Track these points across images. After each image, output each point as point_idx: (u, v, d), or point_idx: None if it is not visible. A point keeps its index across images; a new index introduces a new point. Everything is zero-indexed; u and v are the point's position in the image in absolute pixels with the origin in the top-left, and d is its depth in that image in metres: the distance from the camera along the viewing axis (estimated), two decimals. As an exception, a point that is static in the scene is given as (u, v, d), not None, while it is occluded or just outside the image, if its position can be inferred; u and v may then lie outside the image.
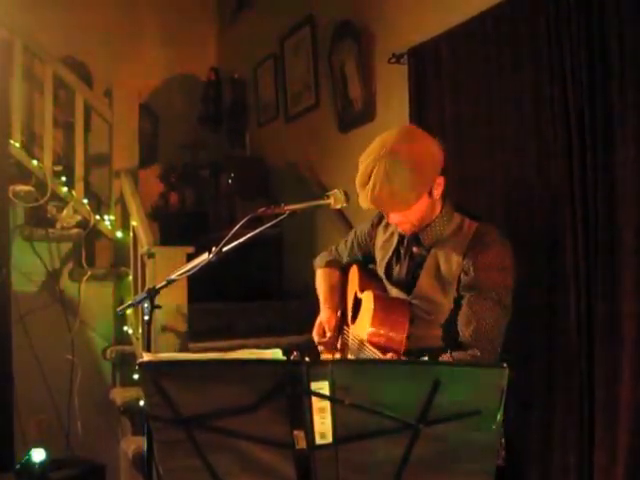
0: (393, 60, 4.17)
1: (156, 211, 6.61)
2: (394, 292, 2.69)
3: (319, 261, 3.16)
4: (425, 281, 2.56)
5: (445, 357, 2.41)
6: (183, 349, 4.24)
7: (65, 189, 5.25)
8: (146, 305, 2.68)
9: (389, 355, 2.37)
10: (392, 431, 1.58)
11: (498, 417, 1.59)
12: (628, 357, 2.77)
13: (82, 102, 5.31)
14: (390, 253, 2.74)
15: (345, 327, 2.92)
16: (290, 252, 5.91)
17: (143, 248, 4.42)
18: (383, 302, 2.61)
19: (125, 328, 4.92)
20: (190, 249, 4.19)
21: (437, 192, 2.48)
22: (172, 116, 7.07)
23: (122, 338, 5.02)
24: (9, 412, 4.36)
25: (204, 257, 2.56)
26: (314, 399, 1.55)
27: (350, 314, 2.89)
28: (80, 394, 4.86)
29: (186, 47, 7.07)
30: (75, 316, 4.96)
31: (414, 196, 2.41)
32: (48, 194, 5.09)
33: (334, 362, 1.83)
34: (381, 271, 2.78)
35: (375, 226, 2.88)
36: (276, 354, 1.75)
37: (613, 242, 2.84)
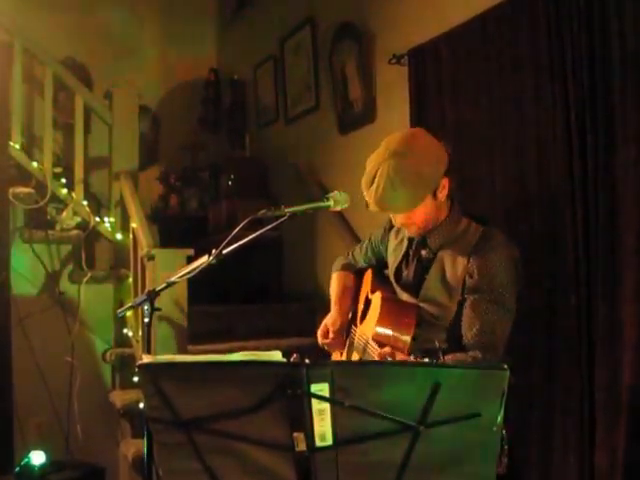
0: (393, 61, 4.17)
1: (156, 213, 6.60)
2: (404, 296, 2.71)
3: (335, 265, 3.18)
4: (431, 284, 2.57)
5: (448, 358, 2.41)
6: (183, 351, 4.23)
7: (65, 191, 5.24)
8: (146, 307, 2.67)
9: (387, 349, 2.36)
10: (392, 433, 1.57)
11: (499, 419, 1.59)
12: (629, 359, 2.76)
13: (82, 104, 5.31)
14: (400, 257, 2.76)
15: (353, 326, 2.95)
16: (290, 254, 5.91)
17: (143, 250, 4.41)
18: (390, 303, 2.63)
19: (125, 330, 4.91)
20: (190, 251, 4.18)
21: (442, 194, 2.50)
22: (172, 118, 7.07)
23: (122, 340, 5.01)
24: (9, 415, 4.36)
25: (204, 259, 2.55)
26: (314, 401, 1.55)
27: (360, 315, 2.92)
28: (80, 397, 4.86)
29: (186, 48, 7.05)
30: (75, 318, 4.95)
31: (417, 197, 2.42)
32: (48, 196, 5.08)
33: (334, 364, 1.82)
34: (391, 274, 2.81)
35: (387, 231, 2.91)
36: (276, 356, 1.74)
37: (614, 243, 2.84)
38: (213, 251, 2.52)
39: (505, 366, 1.57)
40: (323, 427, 1.57)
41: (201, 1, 7.26)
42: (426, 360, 2.00)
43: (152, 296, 2.67)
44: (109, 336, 5.10)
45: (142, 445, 2.68)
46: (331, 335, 2.91)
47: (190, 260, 3.40)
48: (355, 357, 2.82)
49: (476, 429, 1.59)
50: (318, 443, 1.58)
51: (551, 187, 3.11)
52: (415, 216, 2.50)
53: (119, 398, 4.63)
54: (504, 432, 2.32)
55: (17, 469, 4.29)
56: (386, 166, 2.38)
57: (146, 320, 2.70)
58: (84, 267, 5.09)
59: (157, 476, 2.65)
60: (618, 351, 2.80)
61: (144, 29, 6.85)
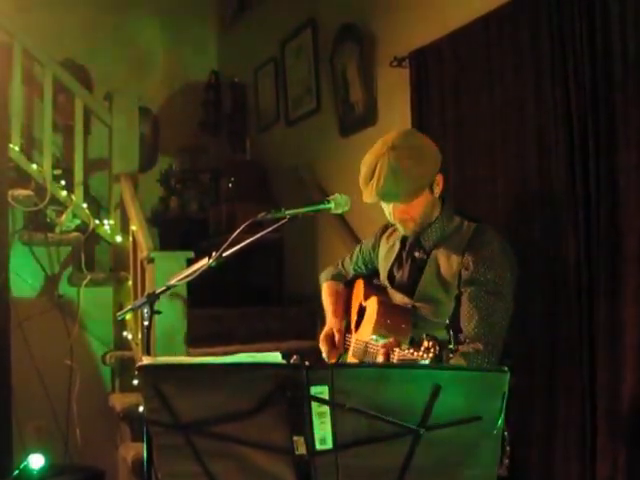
0: (395, 63, 4.17)
1: (156, 216, 6.60)
2: (398, 297, 2.73)
3: (325, 275, 3.22)
4: (427, 282, 2.60)
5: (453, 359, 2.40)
6: (182, 354, 4.22)
7: (64, 193, 5.23)
8: (146, 310, 2.66)
9: (391, 340, 2.34)
10: (392, 436, 1.57)
11: (499, 422, 1.59)
12: (630, 363, 2.76)
13: (82, 106, 5.30)
14: (392, 260, 2.79)
15: (347, 335, 2.95)
16: (290, 257, 5.90)
17: (143, 253, 4.40)
18: (386, 307, 2.66)
19: (125, 333, 4.89)
20: (190, 254, 4.17)
21: (437, 190, 2.59)
22: (172, 120, 7.06)
23: (121, 343, 4.99)
24: (7, 418, 4.36)
25: (204, 262, 2.54)
26: (314, 404, 1.54)
27: (354, 323, 2.93)
28: (79, 400, 4.84)
29: (186, 50, 7.06)
30: (74, 321, 4.93)
31: (418, 186, 2.49)
32: (47, 198, 5.07)
33: (334, 366, 1.82)
34: (384, 278, 2.84)
35: (378, 238, 2.96)
36: (275, 358, 1.73)
37: (615, 245, 2.83)
38: (213, 254, 2.51)
39: (506, 368, 1.58)
40: (323, 430, 1.57)
41: (202, 3, 7.24)
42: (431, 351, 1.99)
43: (152, 299, 2.66)
44: (109, 339, 5.08)
45: (142, 448, 2.67)
46: (337, 336, 2.90)
47: (190, 263, 3.39)
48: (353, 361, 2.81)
49: (477, 431, 1.59)
50: (318, 446, 1.57)
51: (553, 189, 3.10)
52: (413, 210, 2.56)
53: (119, 401, 4.61)
54: (505, 434, 2.31)
55: (16, 472, 4.27)
56: (386, 159, 2.45)
57: (146, 323, 2.68)
58: (84, 270, 5.08)
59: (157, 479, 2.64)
60: (620, 356, 2.79)
61: (144, 31, 6.84)
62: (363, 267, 3.06)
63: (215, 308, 5.21)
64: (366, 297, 2.85)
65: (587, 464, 2.90)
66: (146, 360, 1.86)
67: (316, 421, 1.55)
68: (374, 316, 2.61)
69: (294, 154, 5.84)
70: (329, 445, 1.58)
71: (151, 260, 4.26)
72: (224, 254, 2.50)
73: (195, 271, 2.58)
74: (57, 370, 4.80)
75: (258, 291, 5.76)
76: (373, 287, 2.93)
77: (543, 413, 3.11)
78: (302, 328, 4.88)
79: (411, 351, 2.10)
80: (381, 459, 1.61)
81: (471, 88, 3.59)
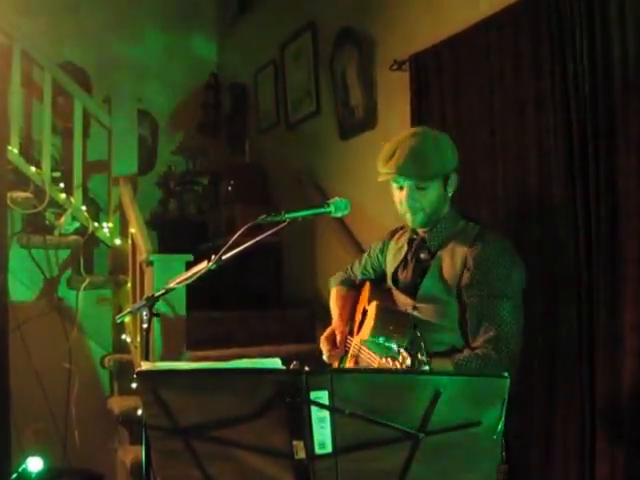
0: (395, 67, 4.17)
1: (155, 218, 6.59)
2: (401, 298, 2.73)
3: (334, 280, 3.23)
4: (429, 282, 2.60)
5: (459, 357, 2.41)
6: (181, 358, 4.21)
7: (63, 196, 5.22)
8: (145, 313, 2.65)
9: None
10: (392, 441, 1.57)
11: (499, 427, 1.59)
12: (629, 368, 2.76)
13: (81, 108, 5.30)
14: (399, 261, 2.80)
15: (349, 337, 2.96)
16: (290, 260, 5.89)
17: (142, 256, 4.40)
18: (385, 312, 2.65)
19: (123, 336, 4.89)
20: (189, 257, 4.17)
21: (450, 189, 2.62)
22: (172, 122, 7.07)
23: (120, 346, 4.98)
24: (6, 421, 4.35)
25: (203, 265, 2.54)
26: (314, 408, 1.54)
27: (357, 326, 2.94)
28: (78, 403, 4.83)
29: (186, 53, 7.07)
30: (73, 324, 4.93)
31: (435, 170, 2.53)
32: (46, 201, 5.06)
33: (334, 371, 1.82)
34: (389, 279, 2.84)
35: (387, 241, 2.96)
36: (275, 363, 1.72)
37: (615, 250, 2.83)
38: (212, 257, 2.51)
39: (505, 374, 1.58)
40: (323, 435, 1.56)
41: (202, 5, 7.25)
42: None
43: (151, 302, 2.65)
44: (107, 342, 5.08)
45: (140, 452, 2.66)
46: (338, 336, 2.91)
47: (189, 266, 3.38)
48: (350, 365, 2.83)
49: (476, 437, 1.59)
50: (318, 451, 1.57)
51: (552, 194, 3.11)
52: (425, 199, 2.57)
53: (117, 404, 4.61)
54: (503, 440, 2.30)
55: (14, 476, 4.27)
56: (408, 142, 2.53)
57: (145, 326, 2.68)
58: (82, 272, 5.07)
59: (155, 483, 2.64)
60: (619, 361, 2.79)
61: (144, 33, 6.84)
62: (372, 271, 3.06)
63: (214, 311, 5.21)
64: (369, 301, 2.85)
65: (586, 464, 2.91)
66: (145, 366, 1.85)
67: (316, 426, 1.55)
68: (372, 320, 2.61)
69: (294, 157, 5.84)
70: (328, 450, 1.57)
71: (150, 263, 4.26)
72: (223, 257, 2.49)
73: (194, 274, 2.58)
74: (56, 373, 4.79)
75: (257, 294, 5.75)
76: (378, 290, 2.93)
77: (543, 413, 3.11)
78: (301, 331, 4.88)
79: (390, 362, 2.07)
80: (380, 464, 1.60)
81: (471, 92, 3.59)
